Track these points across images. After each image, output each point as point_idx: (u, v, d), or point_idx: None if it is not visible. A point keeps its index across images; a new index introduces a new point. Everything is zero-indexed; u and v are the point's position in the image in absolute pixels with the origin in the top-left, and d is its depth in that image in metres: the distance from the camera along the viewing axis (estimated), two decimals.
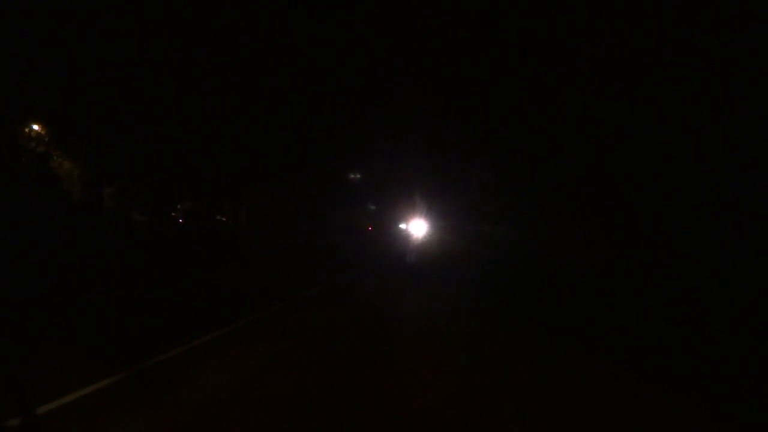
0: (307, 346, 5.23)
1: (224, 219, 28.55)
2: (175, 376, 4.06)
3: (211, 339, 5.33)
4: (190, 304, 7.71)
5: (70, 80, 18.87)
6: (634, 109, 17.90)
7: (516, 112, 22.80)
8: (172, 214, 26.43)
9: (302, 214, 31.57)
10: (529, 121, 22.13)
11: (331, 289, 9.87)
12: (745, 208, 14.46)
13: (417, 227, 38.51)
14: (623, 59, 17.63)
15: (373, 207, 44.08)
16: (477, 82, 24.60)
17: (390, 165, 42.15)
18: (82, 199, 20.43)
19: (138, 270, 12.54)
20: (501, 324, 6.71)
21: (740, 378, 4.55)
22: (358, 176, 39.32)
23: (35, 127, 19.13)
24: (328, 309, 7.58)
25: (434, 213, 37.42)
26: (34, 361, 4.43)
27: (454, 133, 28.22)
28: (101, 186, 21.31)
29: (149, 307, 7.33)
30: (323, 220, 33.66)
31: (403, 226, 43.89)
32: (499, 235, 23.04)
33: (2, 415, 3.12)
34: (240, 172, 25.65)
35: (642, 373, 4.55)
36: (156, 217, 23.58)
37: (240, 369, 4.30)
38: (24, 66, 17.18)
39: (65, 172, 20.12)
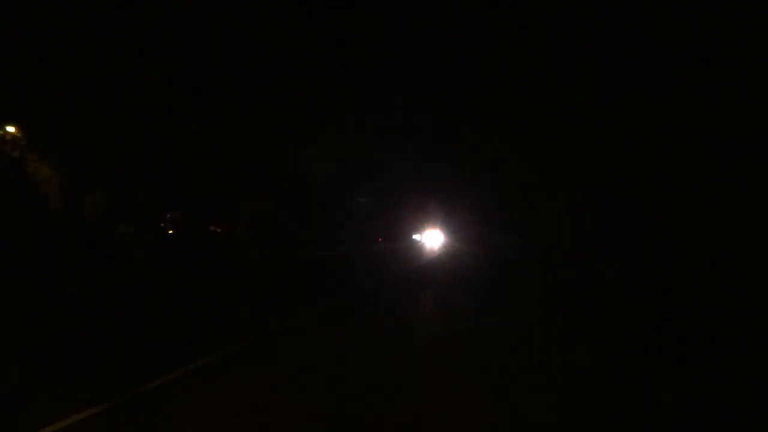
0: (309, 372, 4.58)
1: (219, 230, 26.74)
2: (166, 403, 3.66)
3: (205, 364, 4.70)
4: (177, 323, 6.94)
5: (50, 79, 17.46)
6: (645, 117, 17.81)
7: (534, 118, 22.45)
8: (161, 224, 24.59)
9: (306, 225, 29.82)
10: (548, 128, 21.79)
11: (336, 308, 8.66)
12: (749, 215, 14.33)
13: (432, 238, 36.38)
14: (636, 70, 17.58)
15: (379, 216, 42.42)
16: (494, 90, 24.47)
17: (403, 174, 40.69)
18: (62, 207, 18.73)
19: (123, 286, 11.38)
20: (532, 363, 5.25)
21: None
22: (368, 186, 37.82)
23: (10, 129, 17.56)
24: (331, 330, 6.66)
25: (451, 223, 35.71)
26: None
27: (471, 141, 27.65)
28: (82, 193, 19.58)
29: (135, 328, 6.59)
30: (329, 231, 31.93)
31: (417, 237, 41.67)
32: (522, 246, 22.16)
33: None
34: (236, 179, 23.85)
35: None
36: (143, 227, 21.80)
37: (236, 396, 3.86)
38: None
39: (43, 178, 18.43)
